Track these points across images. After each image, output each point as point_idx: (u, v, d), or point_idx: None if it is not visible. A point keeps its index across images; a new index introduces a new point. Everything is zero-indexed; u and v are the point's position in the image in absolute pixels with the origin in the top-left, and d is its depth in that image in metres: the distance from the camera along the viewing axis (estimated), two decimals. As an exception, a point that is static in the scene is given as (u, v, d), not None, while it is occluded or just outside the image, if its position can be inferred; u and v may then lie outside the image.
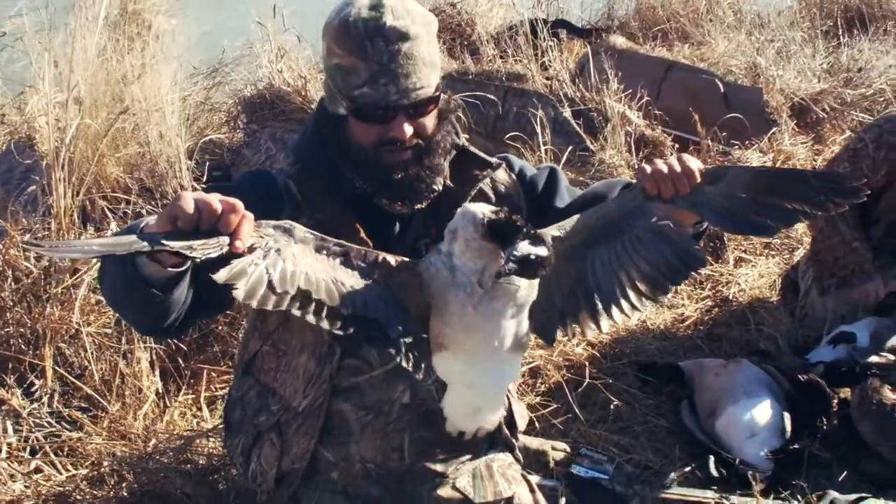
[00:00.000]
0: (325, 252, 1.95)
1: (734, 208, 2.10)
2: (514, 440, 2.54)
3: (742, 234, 2.33)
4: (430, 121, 2.27)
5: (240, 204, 1.78)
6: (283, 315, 2.21)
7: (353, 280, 1.95)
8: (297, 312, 1.86)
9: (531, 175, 2.51)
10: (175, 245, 1.70)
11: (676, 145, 5.47)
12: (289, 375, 2.39)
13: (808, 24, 7.96)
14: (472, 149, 2.44)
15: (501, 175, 2.44)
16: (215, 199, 1.76)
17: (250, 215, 1.80)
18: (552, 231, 2.08)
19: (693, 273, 2.37)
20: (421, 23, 2.21)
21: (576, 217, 2.13)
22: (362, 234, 2.23)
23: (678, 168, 2.09)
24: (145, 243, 1.69)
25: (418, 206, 2.31)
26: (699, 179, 2.09)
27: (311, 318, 1.87)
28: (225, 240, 1.76)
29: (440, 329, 2.01)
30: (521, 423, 2.59)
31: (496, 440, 2.50)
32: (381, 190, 2.27)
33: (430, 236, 2.32)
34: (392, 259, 2.01)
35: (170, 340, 3.62)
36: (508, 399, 2.52)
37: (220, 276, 1.76)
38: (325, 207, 2.26)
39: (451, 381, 2.16)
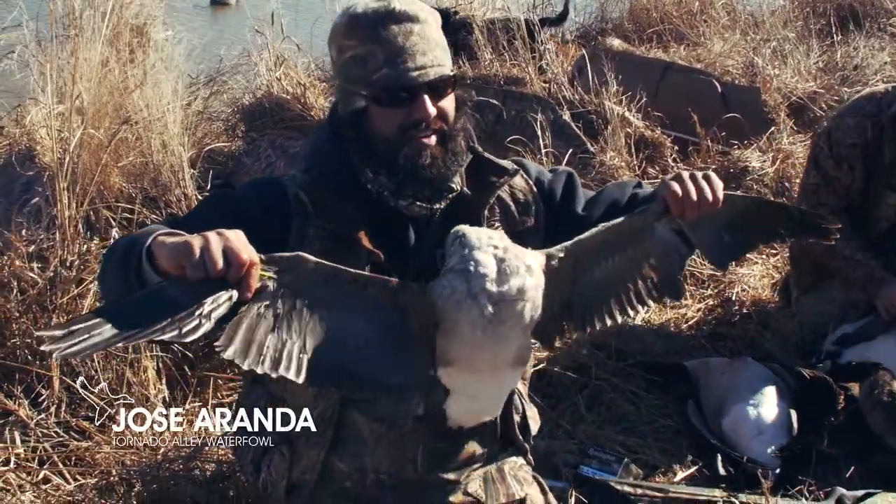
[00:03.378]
0: (335, 283, 1.93)
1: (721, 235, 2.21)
2: (526, 445, 2.54)
3: (716, 263, 2.38)
4: (449, 104, 2.26)
5: (245, 255, 1.77)
6: None
7: (360, 321, 1.97)
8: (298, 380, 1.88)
9: (548, 180, 2.49)
10: (185, 320, 1.70)
11: (676, 146, 5.49)
12: (298, 387, 2.34)
13: (801, 24, 7.99)
14: (488, 155, 2.42)
15: (519, 181, 2.42)
16: (219, 251, 1.74)
17: (257, 259, 1.79)
18: (558, 253, 2.10)
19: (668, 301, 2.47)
20: (427, 11, 2.24)
21: (587, 234, 2.13)
22: (372, 246, 2.22)
23: (709, 196, 2.11)
24: (160, 315, 1.69)
25: (437, 205, 2.28)
26: (721, 206, 2.14)
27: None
28: (233, 293, 1.76)
29: (447, 347, 2.03)
30: (534, 427, 2.59)
31: (508, 444, 2.51)
32: (406, 182, 2.23)
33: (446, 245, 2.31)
34: (402, 284, 2.01)
35: (175, 347, 3.62)
36: (522, 403, 2.52)
37: (228, 353, 1.78)
38: (338, 216, 2.24)
39: (454, 390, 2.18)
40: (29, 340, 3.57)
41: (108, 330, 1.67)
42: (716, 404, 3.48)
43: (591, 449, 3.28)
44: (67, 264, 3.73)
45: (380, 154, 2.23)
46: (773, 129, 5.76)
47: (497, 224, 2.34)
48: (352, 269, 1.96)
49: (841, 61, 7.11)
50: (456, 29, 6.79)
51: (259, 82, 5.98)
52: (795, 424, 3.33)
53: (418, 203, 2.27)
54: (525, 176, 2.45)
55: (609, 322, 2.21)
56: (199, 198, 4.39)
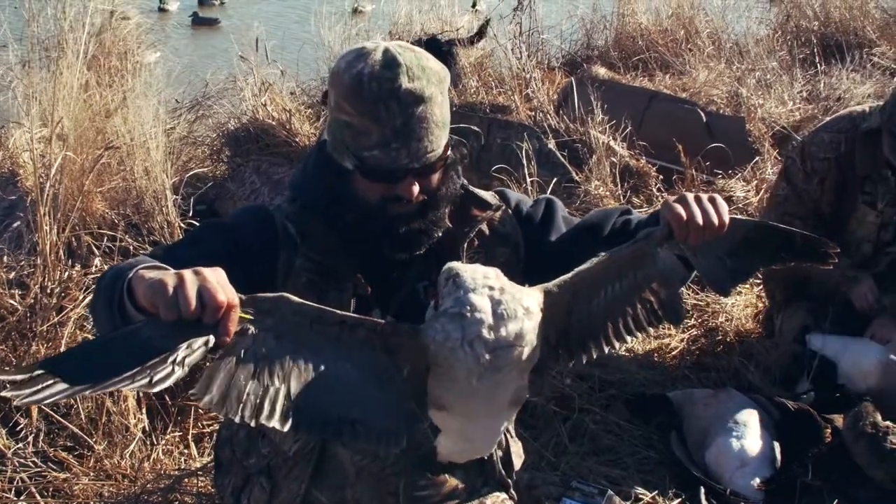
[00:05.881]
0: (320, 325, 1.85)
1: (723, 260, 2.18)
2: (509, 480, 2.51)
3: (718, 289, 2.34)
4: (436, 178, 2.22)
5: (221, 296, 1.68)
6: None
7: (347, 364, 1.88)
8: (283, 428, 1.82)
9: (527, 210, 2.47)
10: (157, 368, 1.63)
11: (661, 175, 5.50)
12: None
13: (785, 53, 8.04)
14: (472, 189, 2.40)
15: (498, 213, 2.40)
16: (194, 291, 1.67)
17: (235, 301, 1.71)
18: (556, 288, 2.04)
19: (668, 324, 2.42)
20: (435, 81, 2.13)
21: (587, 266, 2.07)
22: (358, 278, 2.21)
23: (715, 221, 2.06)
24: (131, 361, 1.62)
25: (418, 252, 2.26)
26: (726, 231, 2.10)
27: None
28: (210, 337, 1.68)
29: (440, 392, 1.97)
30: (518, 462, 2.57)
31: (490, 478, 2.48)
32: (383, 239, 2.22)
33: (429, 279, 2.26)
34: (392, 326, 1.94)
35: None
36: (506, 438, 2.51)
37: (204, 401, 1.72)
38: (324, 247, 2.22)
39: (446, 431, 2.14)
40: (7, 368, 3.54)
41: (73, 377, 1.59)
42: (699, 436, 3.47)
43: (574, 481, 3.26)
44: (48, 291, 3.70)
45: (360, 209, 2.20)
46: (757, 158, 5.79)
47: (477, 257, 2.30)
48: (338, 311, 1.88)
49: (825, 91, 7.16)
50: (443, 57, 6.81)
51: (244, 107, 5.97)
52: (779, 456, 3.32)
53: (398, 251, 2.24)
54: (504, 207, 2.43)
55: (606, 349, 2.15)
56: (182, 224, 4.37)
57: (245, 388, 1.76)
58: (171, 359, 1.64)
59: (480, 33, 7.74)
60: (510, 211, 2.43)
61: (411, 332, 1.92)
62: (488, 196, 2.42)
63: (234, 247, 2.14)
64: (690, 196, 2.09)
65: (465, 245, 2.31)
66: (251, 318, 1.76)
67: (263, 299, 1.79)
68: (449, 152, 2.24)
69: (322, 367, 1.85)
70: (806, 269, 3.91)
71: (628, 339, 2.17)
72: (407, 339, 1.91)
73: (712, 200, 2.09)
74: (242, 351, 1.76)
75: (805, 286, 4.03)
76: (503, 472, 2.49)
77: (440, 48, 7.07)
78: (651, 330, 2.19)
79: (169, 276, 1.70)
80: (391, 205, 2.18)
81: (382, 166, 2.12)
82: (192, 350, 1.66)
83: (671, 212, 2.06)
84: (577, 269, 2.06)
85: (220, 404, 1.74)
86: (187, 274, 1.70)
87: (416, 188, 2.16)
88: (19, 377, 1.57)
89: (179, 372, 1.65)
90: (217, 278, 1.70)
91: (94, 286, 2.14)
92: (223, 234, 2.23)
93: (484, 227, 2.37)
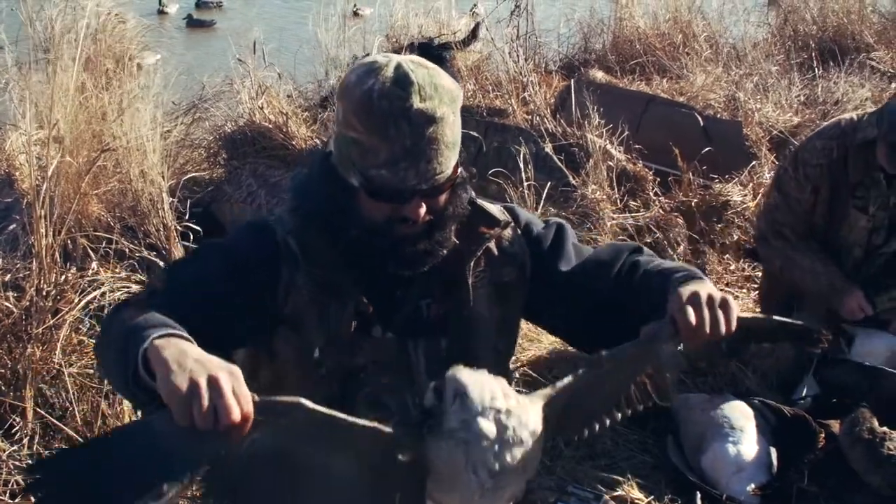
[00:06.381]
0: (329, 429, 1.80)
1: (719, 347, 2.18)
2: None
3: (709, 364, 2.39)
4: (444, 197, 2.14)
5: (236, 414, 1.63)
6: (275, 375, 2.18)
7: (352, 466, 1.86)
8: None
9: (537, 232, 2.37)
10: (167, 492, 1.61)
11: (657, 179, 5.49)
12: None
13: (782, 57, 8.05)
14: (481, 203, 2.30)
15: (506, 231, 2.32)
16: (208, 404, 1.62)
17: (251, 413, 1.66)
18: (559, 394, 2.00)
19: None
20: (448, 100, 2.04)
21: (586, 372, 2.04)
22: (360, 295, 2.16)
23: (723, 328, 1.99)
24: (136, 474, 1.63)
25: (422, 270, 2.18)
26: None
27: None
28: (221, 450, 1.66)
29: (439, 496, 1.94)
30: None
31: None
32: (387, 257, 2.14)
33: (432, 296, 2.21)
34: (398, 432, 1.88)
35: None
36: None
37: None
38: (325, 263, 2.15)
39: None
40: (3, 370, 3.53)
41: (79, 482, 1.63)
42: (695, 441, 3.47)
43: (569, 486, 3.26)
44: (44, 294, 3.69)
45: (365, 227, 2.13)
46: (754, 163, 5.79)
47: (483, 276, 2.25)
48: (348, 417, 1.83)
49: (822, 95, 7.17)
50: (437, 61, 6.81)
51: (241, 110, 5.97)
52: (775, 462, 3.32)
53: (401, 270, 2.17)
54: (513, 225, 2.34)
55: (597, 429, 2.16)
56: (179, 227, 4.35)
57: (249, 488, 1.75)
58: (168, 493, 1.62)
59: (473, 35, 7.74)
60: (519, 230, 2.35)
61: (416, 440, 1.88)
62: (496, 211, 2.33)
63: (234, 265, 2.11)
64: (703, 296, 2.01)
65: (472, 264, 2.24)
66: (262, 420, 1.72)
67: (277, 406, 1.75)
68: (459, 170, 2.17)
69: (327, 468, 1.84)
70: (799, 283, 3.96)
71: (618, 417, 2.17)
72: (411, 447, 1.88)
73: (724, 306, 2.00)
74: (250, 450, 1.73)
75: (801, 305, 4.07)
76: None
77: (433, 52, 7.07)
78: (640, 408, 2.19)
79: (182, 379, 1.65)
80: (397, 225, 2.10)
81: (389, 186, 2.04)
82: (194, 475, 1.64)
83: (682, 316, 1.98)
84: (579, 373, 2.03)
85: (221, 497, 1.72)
86: (202, 380, 1.65)
87: (422, 210, 2.08)
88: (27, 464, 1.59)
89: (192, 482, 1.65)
90: (233, 386, 1.66)
91: (101, 325, 2.10)
92: (223, 254, 2.18)
93: (492, 245, 2.29)
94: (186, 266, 2.29)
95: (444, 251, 2.18)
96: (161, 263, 4.10)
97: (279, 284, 2.14)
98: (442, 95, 2.03)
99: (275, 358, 2.18)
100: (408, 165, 2.01)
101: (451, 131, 2.06)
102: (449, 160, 2.07)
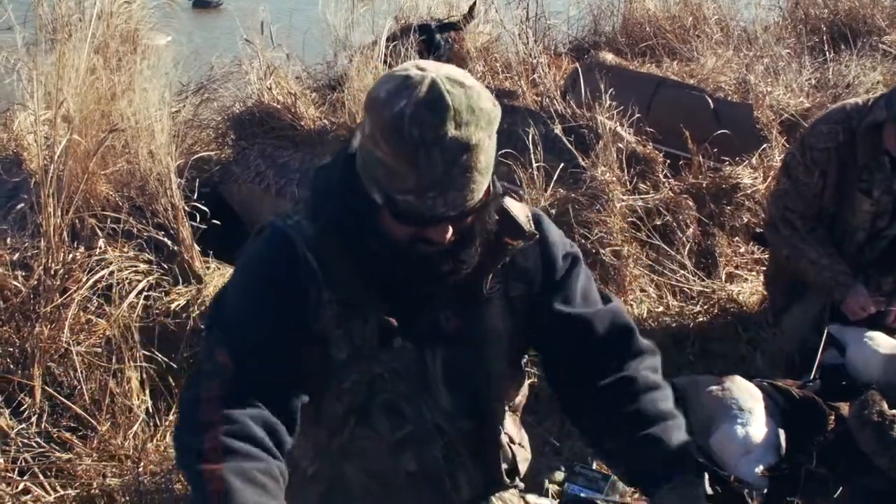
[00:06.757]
0: None
1: None
2: (515, 486, 2.49)
3: None
4: (472, 217, 2.02)
5: None
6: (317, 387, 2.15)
7: None
8: None
9: (556, 255, 2.27)
10: None
11: (668, 161, 5.47)
12: (300, 439, 2.17)
13: (794, 40, 8.00)
14: (510, 208, 2.18)
15: (530, 241, 2.22)
16: None
17: None
18: None
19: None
20: (484, 124, 1.87)
21: None
22: (382, 311, 2.11)
23: None
24: None
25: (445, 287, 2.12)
26: None
27: None
28: None
29: None
30: (524, 467, 2.54)
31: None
32: (410, 275, 2.07)
33: (451, 308, 2.16)
34: None
35: (159, 357, 3.59)
36: (511, 450, 2.47)
37: None
38: (345, 279, 2.08)
39: None
40: (11, 349, 3.54)
41: None
42: (703, 422, 3.45)
43: (577, 466, 3.25)
44: (52, 273, 3.71)
45: (387, 244, 2.03)
46: (765, 145, 5.76)
47: (498, 303, 2.21)
48: None
49: (833, 79, 7.12)
50: (439, 46, 6.80)
51: (249, 91, 5.96)
52: (784, 444, 3.30)
53: (422, 286, 2.12)
54: (538, 239, 2.23)
55: None
56: (186, 207, 4.33)
57: None
58: None
59: (470, 14, 7.68)
60: (539, 247, 2.25)
61: None
62: (524, 220, 2.20)
63: (276, 304, 2.06)
64: None
65: (490, 277, 2.17)
66: None
67: None
68: (491, 189, 2.03)
69: None
70: (804, 274, 3.95)
71: None
72: None
73: None
74: None
75: (805, 290, 4.07)
76: (508, 480, 2.47)
77: (432, 34, 7.04)
78: None
79: None
80: (420, 245, 2.00)
81: (414, 214, 1.92)
82: None
83: None
84: None
85: None
86: None
87: (449, 233, 1.98)
88: None
89: None
90: None
91: (176, 439, 2.10)
92: (260, 299, 2.09)
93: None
94: (237, 331, 2.09)
95: (468, 269, 2.09)
96: (169, 243, 4.11)
97: (308, 305, 2.08)
98: (479, 119, 1.87)
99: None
100: (436, 195, 1.88)
101: (486, 156, 1.91)
102: (481, 186, 1.94)
